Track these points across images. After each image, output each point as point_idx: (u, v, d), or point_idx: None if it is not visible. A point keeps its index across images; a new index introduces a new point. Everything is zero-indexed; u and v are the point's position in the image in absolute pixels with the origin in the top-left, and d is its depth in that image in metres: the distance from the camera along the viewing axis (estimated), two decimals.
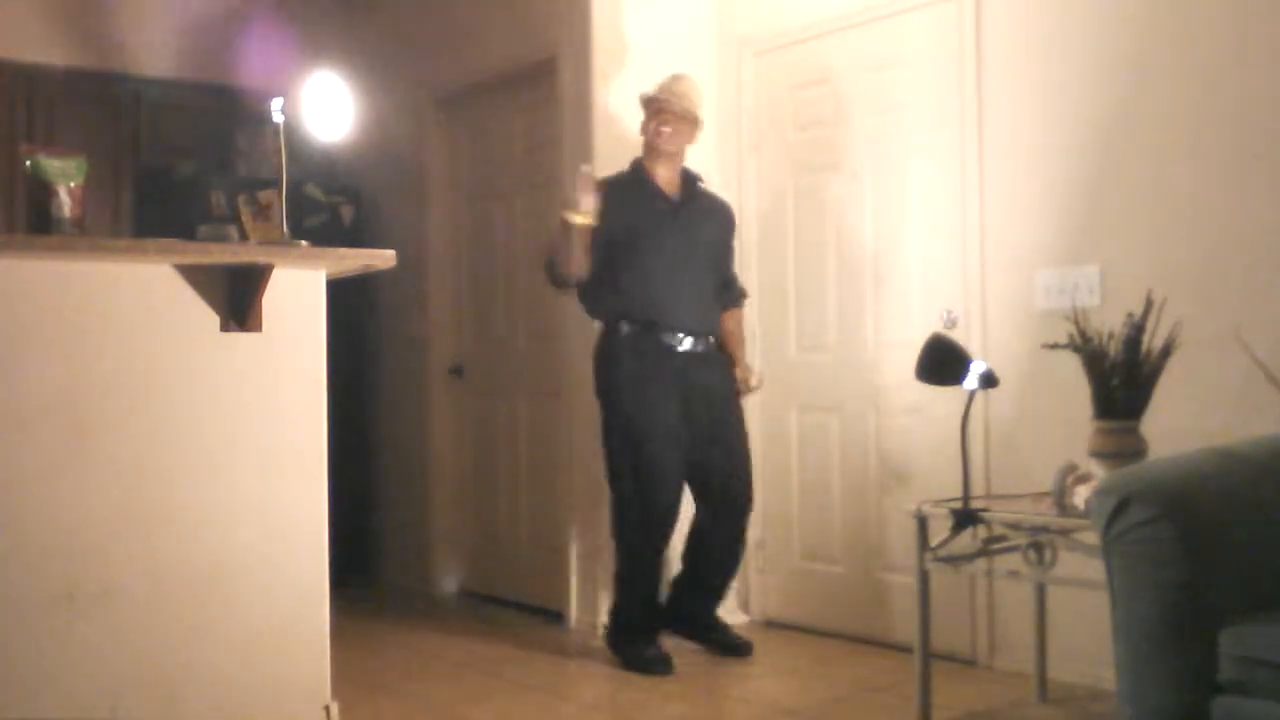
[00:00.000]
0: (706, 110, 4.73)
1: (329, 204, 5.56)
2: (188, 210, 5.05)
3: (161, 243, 2.94)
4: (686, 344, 4.02)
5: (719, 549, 4.13)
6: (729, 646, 4.14)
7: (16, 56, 5.35)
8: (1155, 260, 3.47)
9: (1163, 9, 3.52)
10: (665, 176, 4.12)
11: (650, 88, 4.13)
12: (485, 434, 5.28)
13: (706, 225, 4.18)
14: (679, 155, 4.14)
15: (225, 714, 2.99)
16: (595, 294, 4.09)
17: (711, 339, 4.12)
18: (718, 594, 4.23)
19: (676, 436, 3.97)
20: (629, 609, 4.06)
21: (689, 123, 4.09)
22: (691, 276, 4.05)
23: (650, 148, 4.10)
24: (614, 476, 4.02)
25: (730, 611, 4.59)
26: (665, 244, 4.01)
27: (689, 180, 4.20)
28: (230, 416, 3.03)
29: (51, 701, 2.78)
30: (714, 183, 4.71)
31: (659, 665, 3.92)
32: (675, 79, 4.12)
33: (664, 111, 4.05)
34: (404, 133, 5.54)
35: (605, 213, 3.95)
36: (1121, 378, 2.97)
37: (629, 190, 4.07)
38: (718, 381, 4.10)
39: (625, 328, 4.00)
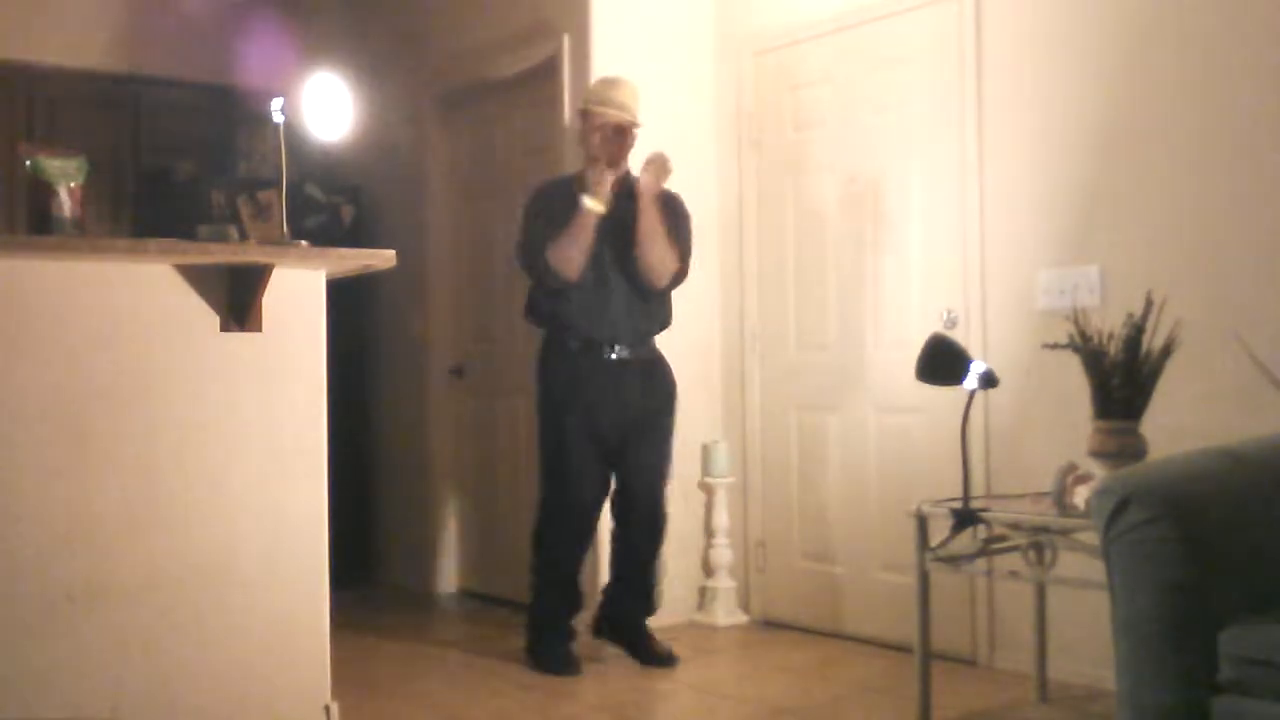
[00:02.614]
0: (706, 110, 4.76)
1: (329, 204, 5.56)
2: (188, 210, 5.04)
3: (161, 243, 2.93)
4: (621, 353, 3.98)
5: (629, 555, 4.10)
6: (653, 656, 4.03)
7: (16, 56, 5.35)
8: (1155, 260, 3.47)
9: (1163, 9, 3.52)
10: (602, 185, 3.95)
11: (585, 95, 4.05)
12: (485, 434, 5.28)
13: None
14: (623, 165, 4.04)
15: (225, 714, 2.99)
16: (533, 303, 4.08)
17: (647, 343, 4.06)
18: (642, 602, 4.12)
19: (602, 446, 3.98)
20: (541, 607, 4.05)
21: (630, 135, 3.99)
22: (624, 285, 3.97)
23: (594, 162, 3.96)
24: (543, 478, 4.05)
25: (730, 611, 4.60)
26: (597, 256, 3.93)
27: (624, 182, 4.02)
28: (230, 416, 3.03)
29: (51, 701, 2.78)
30: (713, 182, 4.73)
31: (568, 666, 3.92)
32: (610, 85, 4.01)
33: (605, 127, 3.94)
34: (404, 133, 5.54)
35: (538, 224, 3.96)
36: (1121, 378, 2.97)
37: (563, 201, 3.97)
38: (648, 390, 4.04)
39: (564, 340, 3.99)
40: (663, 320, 4.12)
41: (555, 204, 3.99)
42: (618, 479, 4.07)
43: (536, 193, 4.14)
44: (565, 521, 4.02)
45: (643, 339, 4.06)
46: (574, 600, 4.09)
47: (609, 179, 3.94)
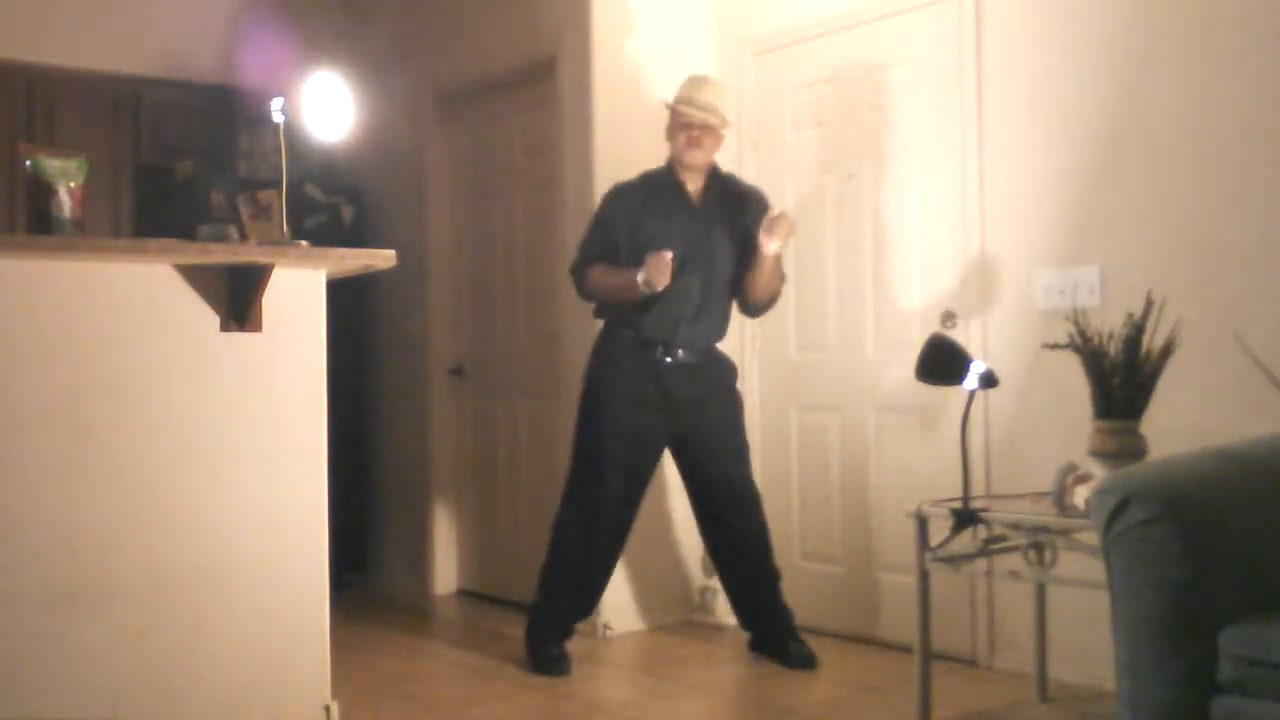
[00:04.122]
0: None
1: (329, 204, 5.56)
2: (188, 210, 5.05)
3: (161, 243, 2.94)
4: (682, 357, 3.96)
5: (739, 559, 4.10)
6: (797, 658, 4.00)
7: (16, 56, 5.35)
8: (1155, 260, 3.47)
9: (1163, 9, 3.52)
10: (692, 181, 4.01)
11: (675, 92, 4.01)
12: (485, 434, 5.28)
13: (730, 227, 4.01)
14: (709, 162, 4.05)
15: (225, 714, 3.00)
16: None
17: (710, 348, 4.04)
18: (770, 607, 4.11)
19: (640, 454, 3.97)
20: (543, 602, 4.03)
21: (714, 135, 3.98)
22: (702, 289, 3.95)
23: (677, 160, 3.99)
24: (571, 471, 4.02)
25: (729, 611, 4.59)
26: (680, 257, 3.89)
27: (715, 181, 4.06)
28: (230, 416, 3.04)
29: (51, 701, 2.78)
30: None
31: (557, 666, 3.91)
32: (699, 86, 4.00)
33: (690, 127, 3.94)
34: (404, 133, 5.54)
35: (630, 212, 3.96)
36: (1121, 378, 2.97)
37: (654, 194, 3.99)
38: (710, 392, 4.02)
39: (622, 336, 3.98)
40: (724, 330, 4.11)
41: (623, 215, 3.97)
42: (696, 478, 4.06)
43: (614, 195, 4.07)
44: (587, 520, 3.96)
45: (705, 344, 4.03)
46: (583, 604, 4.07)
47: (667, 278, 3.79)
